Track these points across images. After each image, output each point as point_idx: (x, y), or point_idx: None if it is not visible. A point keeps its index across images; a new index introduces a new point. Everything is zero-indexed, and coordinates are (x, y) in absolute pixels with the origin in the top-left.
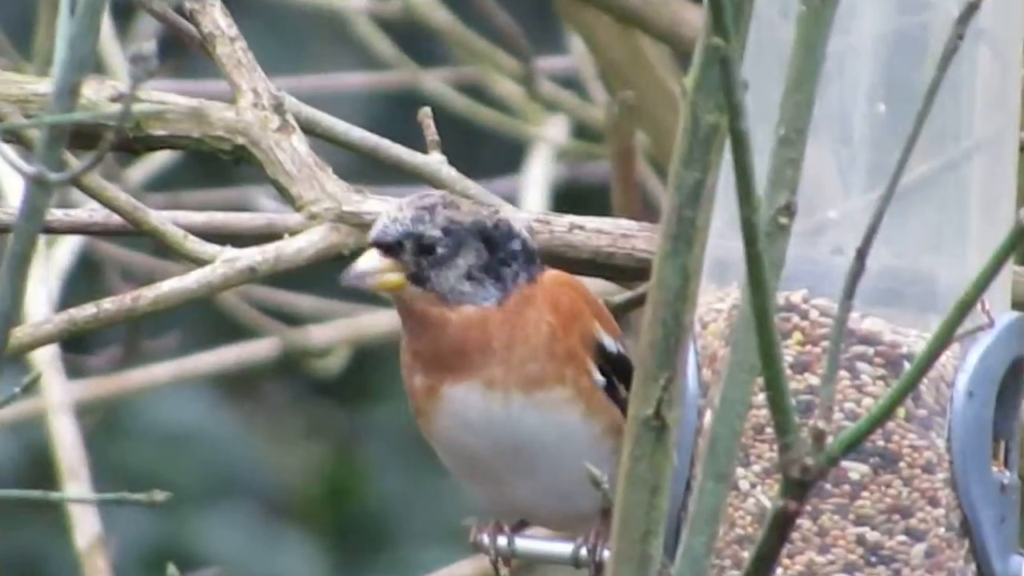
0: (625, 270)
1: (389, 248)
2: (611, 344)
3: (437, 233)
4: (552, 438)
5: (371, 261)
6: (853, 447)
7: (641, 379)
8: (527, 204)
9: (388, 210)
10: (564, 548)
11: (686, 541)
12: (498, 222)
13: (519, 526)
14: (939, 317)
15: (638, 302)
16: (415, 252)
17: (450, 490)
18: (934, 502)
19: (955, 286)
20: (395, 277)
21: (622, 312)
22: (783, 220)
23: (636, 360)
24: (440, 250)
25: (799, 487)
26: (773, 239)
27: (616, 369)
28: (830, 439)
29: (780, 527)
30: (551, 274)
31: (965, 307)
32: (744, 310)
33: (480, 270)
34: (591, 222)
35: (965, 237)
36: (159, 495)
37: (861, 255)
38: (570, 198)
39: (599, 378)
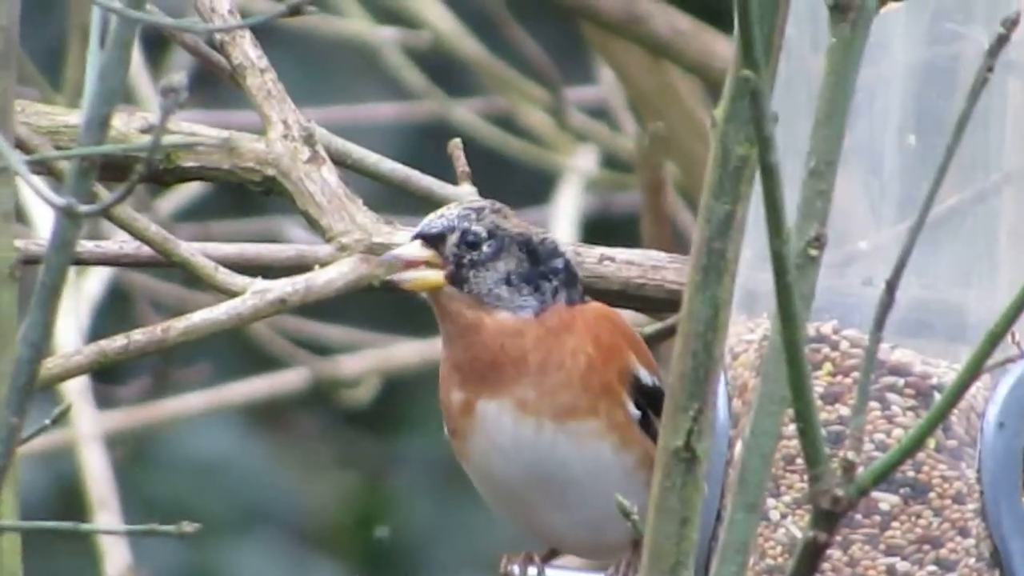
0: (655, 301)
1: (432, 240)
2: (647, 377)
3: (483, 232)
4: (583, 469)
5: (413, 249)
6: (883, 478)
7: (671, 410)
8: (557, 234)
9: (437, 212)
10: None
11: (716, 571)
12: (544, 239)
13: (550, 555)
14: (969, 348)
15: (668, 333)
16: (458, 245)
17: (480, 521)
18: (964, 532)
19: (985, 317)
20: (433, 275)
21: (652, 343)
22: (813, 252)
23: (667, 391)
24: (484, 248)
25: (829, 518)
26: (803, 271)
27: (651, 401)
28: (860, 470)
29: (810, 558)
30: (593, 306)
31: (995, 338)
32: (774, 341)
33: (520, 278)
34: (621, 253)
35: (995, 268)
36: (189, 526)
37: (891, 287)
38: (600, 229)
39: (634, 411)
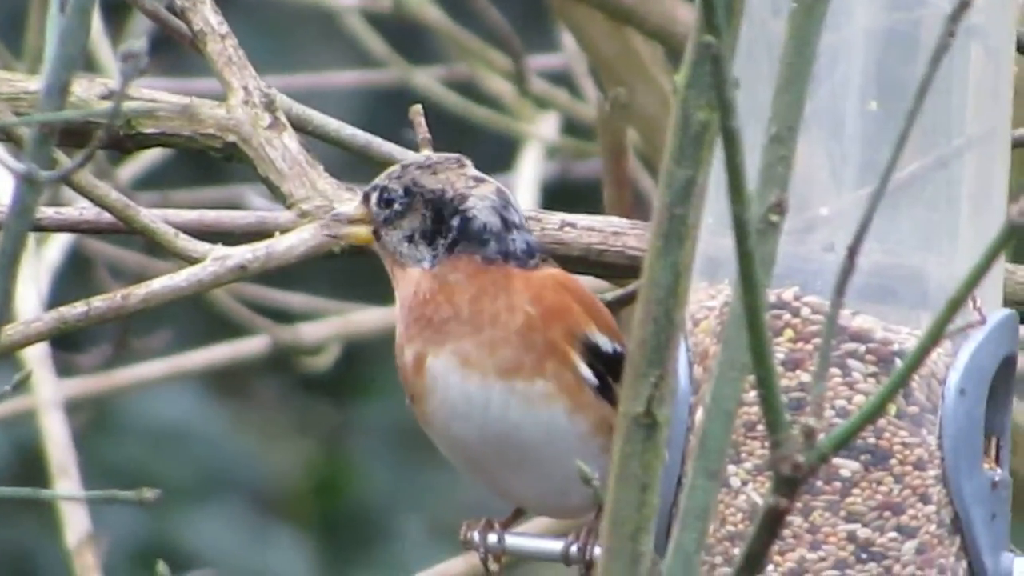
0: (616, 267)
1: (365, 198)
2: (607, 344)
3: (398, 189)
4: (536, 433)
5: (350, 207)
6: (844, 444)
7: (632, 376)
8: (518, 200)
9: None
10: (554, 546)
11: (676, 538)
12: (455, 196)
13: (513, 519)
14: (930, 314)
15: (630, 299)
16: (377, 203)
17: (440, 487)
18: (925, 499)
19: (946, 283)
20: (364, 230)
21: (614, 309)
22: (774, 218)
23: (627, 357)
24: (396, 205)
25: (790, 484)
26: (764, 237)
27: (612, 369)
28: (821, 436)
29: (771, 524)
30: (546, 271)
31: (956, 305)
32: (735, 308)
33: (421, 235)
34: (582, 220)
35: (956, 234)
36: (149, 493)
37: (852, 253)
38: (561, 195)
39: (587, 375)
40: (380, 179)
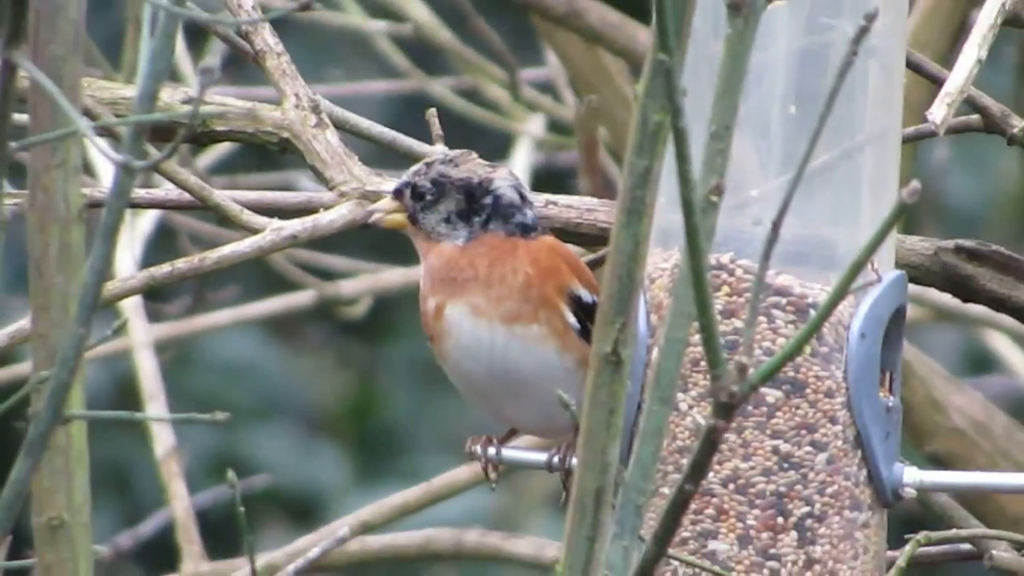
0: (590, 237)
1: (397, 193)
2: (587, 296)
3: (427, 183)
4: (532, 368)
5: (385, 203)
6: (770, 377)
7: (601, 323)
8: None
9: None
10: (541, 457)
11: (636, 451)
12: (482, 180)
13: (508, 436)
14: (838, 274)
15: (600, 262)
16: (411, 197)
17: (451, 411)
18: (834, 420)
19: (851, 250)
20: (400, 217)
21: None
22: (714, 198)
23: (598, 308)
24: (427, 197)
25: (726, 409)
26: (706, 213)
27: (590, 315)
28: (751, 371)
29: (711, 441)
30: (545, 239)
31: (858, 267)
32: (683, 269)
33: (457, 216)
34: (562, 199)
35: (858, 211)
36: (220, 415)
37: (776, 226)
38: (546, 180)
39: (572, 321)
40: (409, 176)
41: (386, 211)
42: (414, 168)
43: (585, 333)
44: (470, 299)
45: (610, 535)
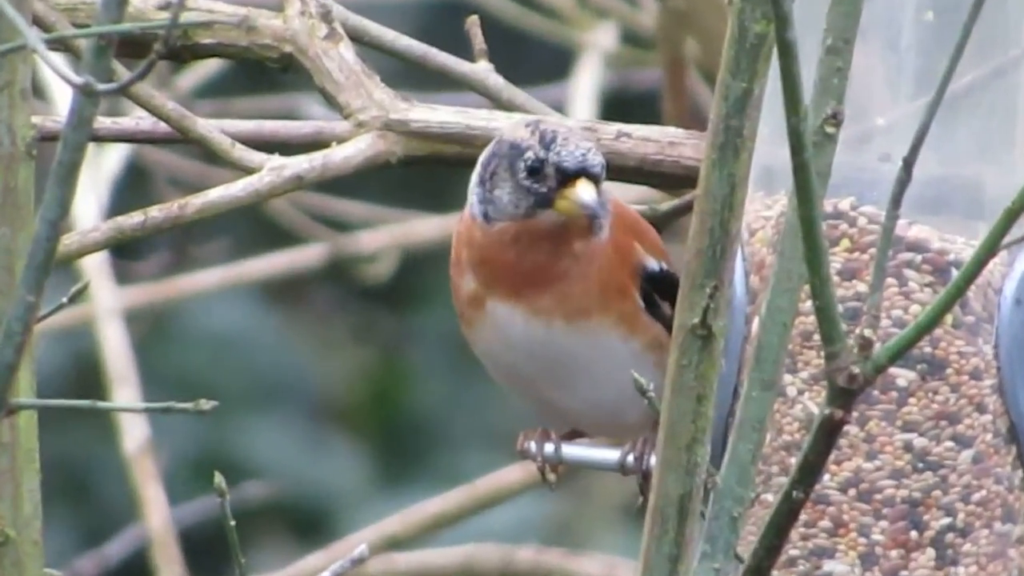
0: (672, 178)
1: (596, 180)
2: (654, 264)
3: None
4: (590, 358)
5: (593, 193)
6: (900, 356)
7: (688, 288)
8: (575, 112)
9: (571, 139)
10: (611, 455)
11: (732, 448)
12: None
13: (571, 435)
14: (986, 225)
15: (685, 209)
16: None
17: (495, 396)
18: (981, 408)
19: (1002, 193)
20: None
21: (669, 220)
22: (830, 129)
23: (683, 269)
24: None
25: (845, 395)
26: (820, 148)
27: (659, 287)
28: (877, 347)
29: (827, 435)
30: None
31: (1013, 215)
32: (791, 219)
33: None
34: (638, 130)
35: (1012, 144)
36: (206, 404)
37: (908, 164)
38: (618, 106)
39: (640, 302)
40: (598, 156)
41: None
42: (587, 143)
43: (652, 307)
44: (536, 302)
45: (698, 554)
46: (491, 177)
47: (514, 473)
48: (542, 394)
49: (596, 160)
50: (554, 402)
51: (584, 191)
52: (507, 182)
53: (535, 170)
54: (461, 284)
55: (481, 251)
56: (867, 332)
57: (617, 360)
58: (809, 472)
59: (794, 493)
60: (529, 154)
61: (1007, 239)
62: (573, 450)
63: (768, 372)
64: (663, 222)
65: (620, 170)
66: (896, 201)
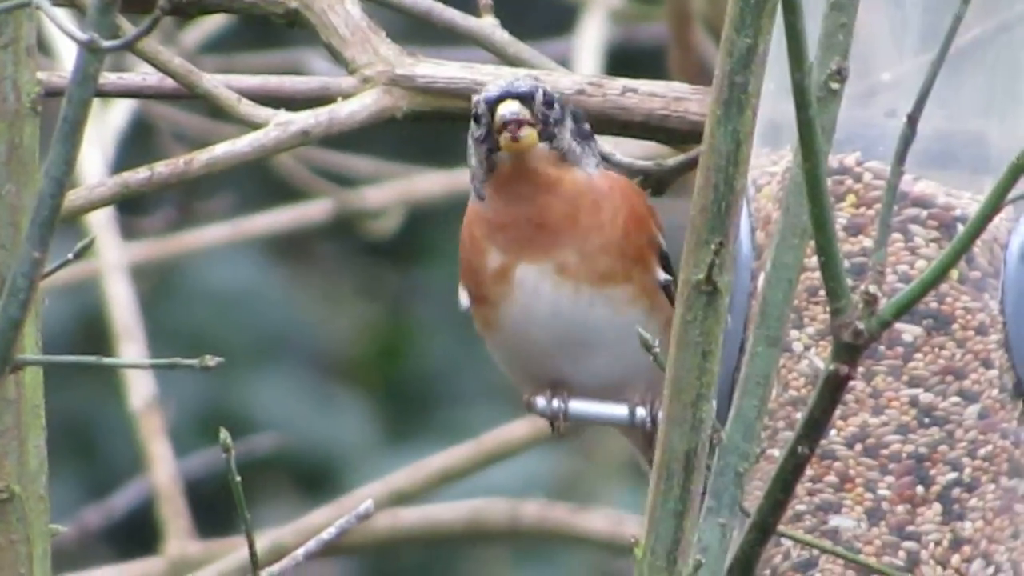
0: (678, 133)
1: (523, 98)
2: (665, 246)
3: (553, 92)
4: (616, 334)
5: (513, 106)
6: (905, 311)
7: (693, 244)
8: (580, 67)
9: (503, 77)
10: (620, 410)
11: (737, 404)
12: (575, 106)
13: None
14: (992, 179)
15: (691, 165)
16: (543, 104)
17: None
18: (987, 364)
19: (1008, 148)
20: (532, 132)
21: (675, 175)
22: (834, 85)
23: (688, 225)
24: (556, 107)
25: (851, 351)
26: (824, 104)
27: (667, 267)
28: (883, 303)
29: (832, 391)
30: (616, 176)
31: (1018, 170)
32: (795, 175)
33: (579, 139)
34: (644, 85)
35: (1018, 99)
36: (211, 360)
37: (912, 120)
38: (623, 61)
39: (661, 277)
40: (531, 81)
41: (523, 119)
42: (520, 74)
43: (667, 288)
44: (561, 256)
45: (703, 509)
46: (467, 154)
47: (520, 428)
48: (554, 371)
49: (522, 84)
50: (565, 378)
51: (502, 107)
52: (471, 148)
53: (476, 118)
54: (484, 263)
55: (488, 222)
56: (872, 288)
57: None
58: (814, 428)
59: (799, 449)
60: (474, 110)
61: (1012, 195)
62: (580, 405)
63: (773, 328)
64: (669, 177)
65: (626, 125)
66: (900, 158)
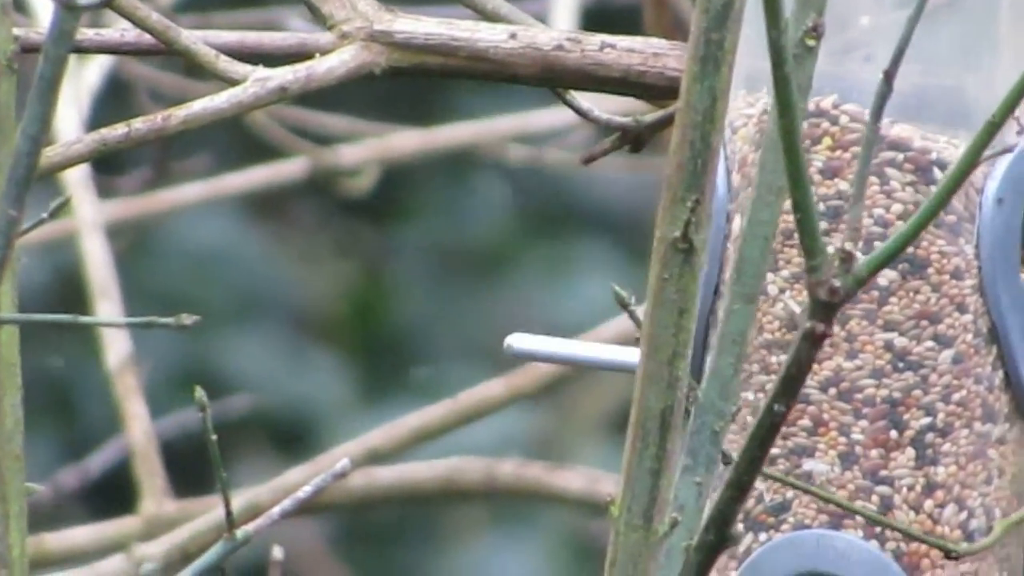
0: (656, 89)
1: None
2: None
3: None
4: None
5: None
6: (881, 268)
7: (668, 201)
8: (557, 23)
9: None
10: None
11: (713, 362)
12: None
13: None
14: (968, 133)
15: (669, 121)
16: None
17: (478, 310)
18: (962, 308)
19: (986, 102)
20: None
21: (653, 131)
22: (810, 42)
23: (664, 182)
24: None
25: (827, 309)
26: (800, 61)
27: None
28: (859, 259)
29: (809, 347)
30: None
31: (994, 128)
32: (771, 132)
33: None
34: (622, 41)
35: (994, 50)
36: (188, 319)
37: (888, 76)
38: (601, 17)
39: None
40: None
41: None
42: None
43: None
44: None
45: (679, 467)
46: None
47: (497, 387)
48: None
49: None
50: None
51: None
52: None
53: None
54: None
55: None
56: (847, 246)
57: None
58: (791, 385)
59: (775, 407)
60: None
61: (989, 150)
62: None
63: (749, 286)
64: (647, 134)
65: (604, 81)
66: (876, 115)
